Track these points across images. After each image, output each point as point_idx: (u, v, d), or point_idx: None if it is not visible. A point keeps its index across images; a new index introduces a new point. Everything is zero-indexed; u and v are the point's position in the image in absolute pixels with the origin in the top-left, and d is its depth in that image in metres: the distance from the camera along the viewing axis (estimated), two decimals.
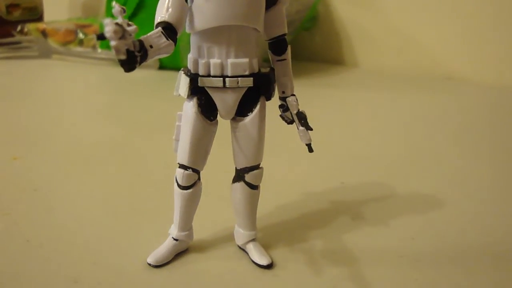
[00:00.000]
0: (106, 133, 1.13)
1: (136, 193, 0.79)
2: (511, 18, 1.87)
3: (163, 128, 1.18)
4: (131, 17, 1.85)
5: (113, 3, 0.43)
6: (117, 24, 0.41)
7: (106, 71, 1.88)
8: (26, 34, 2.17)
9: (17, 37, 2.10)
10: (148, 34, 0.46)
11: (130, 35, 0.42)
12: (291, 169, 0.89)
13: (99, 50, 2.00)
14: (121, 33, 0.41)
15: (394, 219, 0.74)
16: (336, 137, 1.14)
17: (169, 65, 1.86)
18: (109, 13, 1.92)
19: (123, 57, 0.42)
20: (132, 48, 0.43)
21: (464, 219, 0.75)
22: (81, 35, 2.11)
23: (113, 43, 0.41)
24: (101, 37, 0.41)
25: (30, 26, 2.18)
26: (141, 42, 0.45)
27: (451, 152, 1.07)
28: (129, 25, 0.42)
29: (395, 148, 1.09)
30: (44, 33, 2.16)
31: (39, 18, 2.43)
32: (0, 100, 1.42)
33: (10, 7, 2.29)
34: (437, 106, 1.54)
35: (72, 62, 2.01)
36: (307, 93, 1.38)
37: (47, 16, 2.46)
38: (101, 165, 0.92)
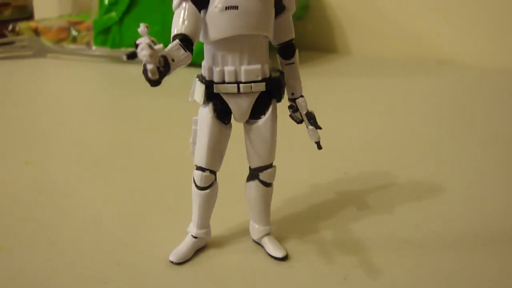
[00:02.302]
0: (113, 132, 1.15)
1: (151, 192, 0.82)
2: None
3: (169, 124, 1.20)
4: (125, 13, 1.86)
5: (140, 24, 0.45)
6: (151, 47, 0.43)
7: (103, 68, 1.89)
8: (18, 33, 2.17)
9: (11, 37, 2.10)
10: (169, 48, 0.49)
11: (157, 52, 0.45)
12: (296, 163, 0.92)
13: (94, 47, 2.00)
14: (155, 56, 0.43)
15: (397, 207, 0.78)
16: (334, 127, 1.16)
17: None
18: (102, 10, 1.92)
19: (156, 77, 0.44)
20: (158, 65, 0.45)
21: (464, 204, 0.79)
22: (74, 32, 2.11)
23: (150, 66, 0.43)
24: (131, 56, 0.43)
25: (22, 25, 2.17)
26: (165, 58, 0.47)
27: (448, 137, 1.12)
28: (154, 42, 0.45)
29: (392, 135, 1.13)
30: (36, 32, 2.15)
31: (29, 16, 2.41)
32: (0, 103, 1.43)
33: (0, 6, 2.28)
34: (431, 90, 1.58)
35: (67, 60, 2.01)
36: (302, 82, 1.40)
37: (37, 14, 2.45)
38: (112, 166, 0.94)
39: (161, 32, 1.80)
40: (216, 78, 0.54)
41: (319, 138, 0.60)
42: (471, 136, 1.12)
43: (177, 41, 0.50)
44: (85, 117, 1.30)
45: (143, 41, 0.44)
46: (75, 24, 2.13)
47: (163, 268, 0.61)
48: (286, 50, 0.58)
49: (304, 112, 0.59)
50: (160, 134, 1.13)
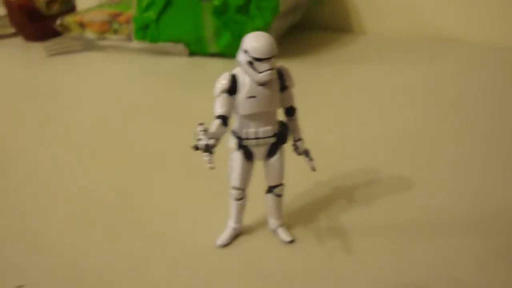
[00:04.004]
0: (157, 128, 1.41)
1: (197, 191, 1.13)
2: None
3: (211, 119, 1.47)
4: (161, 12, 2.13)
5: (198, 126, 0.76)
6: (211, 151, 0.74)
7: (144, 61, 2.17)
8: (66, 27, 2.47)
9: (64, 36, 2.41)
10: (215, 129, 0.78)
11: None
12: (300, 164, 1.21)
13: (135, 40, 2.28)
14: (213, 151, 0.74)
15: (380, 200, 1.05)
16: (334, 121, 1.45)
17: (198, 51, 2.16)
18: (140, 9, 2.18)
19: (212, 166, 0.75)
20: (212, 148, 0.76)
21: (442, 198, 1.03)
22: (115, 26, 2.40)
23: (209, 165, 0.74)
24: (197, 149, 0.74)
25: (68, 19, 2.46)
26: (215, 141, 0.77)
27: (443, 132, 1.35)
28: (208, 135, 0.75)
29: (388, 131, 1.37)
30: (81, 25, 2.45)
31: (72, 8, 2.70)
32: (57, 101, 1.72)
33: (49, 3, 2.57)
34: (440, 75, 1.76)
35: (110, 53, 2.30)
36: (312, 73, 1.65)
37: (79, 5, 2.72)
38: (159, 162, 1.22)
39: (192, 30, 2.08)
40: (243, 136, 0.85)
41: (313, 165, 0.90)
42: (467, 134, 1.35)
43: (220, 120, 0.80)
44: (130, 113, 1.55)
45: (202, 141, 0.75)
46: (115, 16, 2.41)
47: (212, 249, 0.94)
48: (289, 111, 0.87)
49: (302, 150, 0.89)
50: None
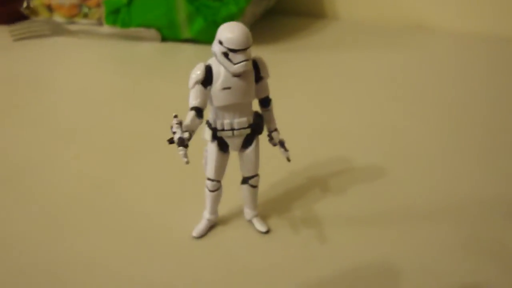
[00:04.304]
0: (138, 118, 1.39)
1: (175, 181, 1.12)
2: None
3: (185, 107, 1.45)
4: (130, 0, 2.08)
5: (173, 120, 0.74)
6: (186, 145, 0.72)
7: (115, 46, 2.11)
8: (33, 10, 2.38)
9: (31, 20, 2.32)
10: (189, 122, 0.77)
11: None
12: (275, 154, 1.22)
13: (105, 25, 2.22)
14: (187, 145, 0.72)
15: (353, 189, 1.08)
16: (309, 110, 1.45)
17: (171, 37, 2.13)
18: None
19: (187, 160, 0.74)
20: (187, 141, 0.75)
21: (415, 187, 1.07)
22: (85, 9, 2.33)
23: (184, 160, 0.73)
24: (172, 142, 0.73)
25: (35, 2, 2.37)
26: (190, 134, 0.76)
27: (418, 121, 1.37)
28: (183, 127, 0.74)
29: (362, 119, 1.40)
30: (49, 8, 2.37)
31: None
32: (24, 88, 1.66)
33: None
34: (413, 63, 1.78)
35: (81, 37, 2.23)
36: (286, 59, 1.65)
37: None
38: (139, 156, 1.23)
39: (164, 15, 2.04)
40: (218, 127, 0.84)
41: (288, 155, 0.90)
42: (437, 123, 1.38)
43: (194, 112, 0.79)
44: (101, 100, 1.52)
45: (177, 135, 0.73)
46: (84, 0, 2.34)
47: (188, 240, 0.94)
48: (264, 102, 0.87)
49: (277, 141, 0.89)
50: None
